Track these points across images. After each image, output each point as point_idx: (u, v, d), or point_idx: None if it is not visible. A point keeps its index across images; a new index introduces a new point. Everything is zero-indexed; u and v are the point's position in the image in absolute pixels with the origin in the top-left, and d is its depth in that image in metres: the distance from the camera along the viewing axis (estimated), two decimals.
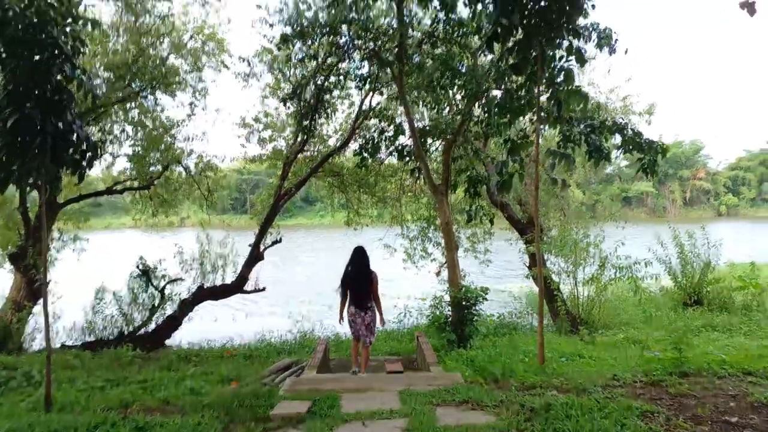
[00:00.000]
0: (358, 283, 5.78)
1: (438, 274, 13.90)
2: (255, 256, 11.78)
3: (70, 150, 4.57)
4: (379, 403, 4.25)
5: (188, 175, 14.10)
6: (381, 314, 6.05)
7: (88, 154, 4.71)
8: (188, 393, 5.13)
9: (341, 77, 10.57)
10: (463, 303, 8.48)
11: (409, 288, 19.78)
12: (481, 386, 4.65)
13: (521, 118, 6.32)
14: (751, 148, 79.33)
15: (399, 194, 14.91)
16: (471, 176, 9.36)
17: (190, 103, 13.66)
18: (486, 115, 8.73)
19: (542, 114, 5.84)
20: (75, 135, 4.53)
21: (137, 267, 11.44)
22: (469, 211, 9.09)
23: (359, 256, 5.87)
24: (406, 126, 10.20)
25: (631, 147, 6.36)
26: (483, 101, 8.12)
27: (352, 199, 14.75)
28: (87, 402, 4.96)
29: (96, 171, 14.81)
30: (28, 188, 6.39)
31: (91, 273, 14.51)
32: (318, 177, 14.52)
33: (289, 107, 11.29)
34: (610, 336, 9.65)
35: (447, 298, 10.26)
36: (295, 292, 21.42)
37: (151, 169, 13.67)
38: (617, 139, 6.69)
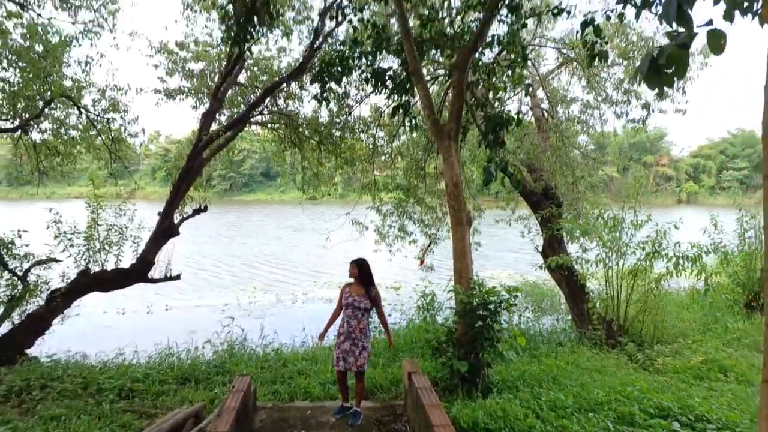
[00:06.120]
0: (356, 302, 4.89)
1: (422, 261, 10.60)
2: (165, 231, 8.16)
3: None
4: None
5: (85, 115, 10.21)
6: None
7: None
8: None
9: None
10: (480, 312, 5.28)
11: (380, 273, 16.58)
12: None
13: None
14: (713, 137, 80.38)
15: (372, 156, 11.45)
16: (489, 114, 6.11)
17: (91, 21, 9.93)
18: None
19: None
20: None
21: None
22: (488, 166, 5.84)
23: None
24: (394, 34, 6.79)
25: None
26: None
27: (309, 159, 11.21)
28: None
29: None
30: None
31: None
32: (265, 127, 10.99)
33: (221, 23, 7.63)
34: (672, 355, 6.75)
35: (440, 297, 7.17)
36: (236, 277, 17.82)
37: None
38: None
